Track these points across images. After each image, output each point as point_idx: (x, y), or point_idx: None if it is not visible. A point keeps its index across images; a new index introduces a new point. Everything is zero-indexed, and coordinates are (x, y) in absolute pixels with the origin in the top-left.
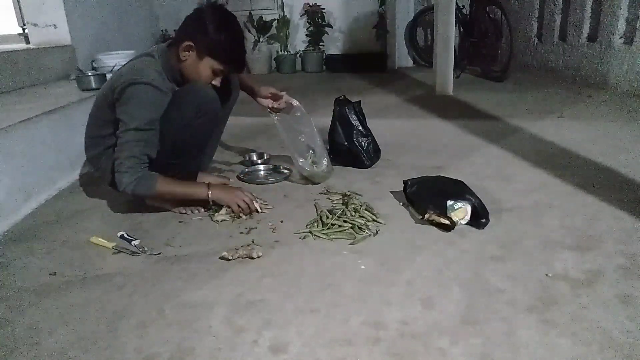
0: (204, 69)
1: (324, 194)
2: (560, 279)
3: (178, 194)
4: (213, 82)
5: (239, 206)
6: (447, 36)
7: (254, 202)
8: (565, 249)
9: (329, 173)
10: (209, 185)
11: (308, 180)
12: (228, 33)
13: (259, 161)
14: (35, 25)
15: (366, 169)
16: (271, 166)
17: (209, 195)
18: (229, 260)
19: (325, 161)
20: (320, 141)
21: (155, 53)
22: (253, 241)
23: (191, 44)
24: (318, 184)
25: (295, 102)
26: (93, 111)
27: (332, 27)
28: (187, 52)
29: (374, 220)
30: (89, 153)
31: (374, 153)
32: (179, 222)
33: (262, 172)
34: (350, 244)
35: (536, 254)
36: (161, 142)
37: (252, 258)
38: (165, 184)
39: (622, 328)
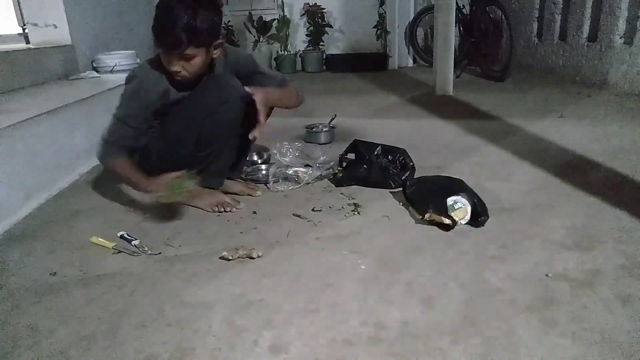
0: (171, 62)
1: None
2: (560, 278)
3: (122, 175)
4: (172, 68)
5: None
6: (447, 36)
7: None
8: (565, 248)
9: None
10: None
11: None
12: (155, 14)
13: (260, 161)
14: (35, 25)
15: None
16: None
17: (146, 189)
18: (229, 260)
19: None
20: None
21: (154, 54)
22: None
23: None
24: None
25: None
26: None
27: (332, 27)
28: (162, 57)
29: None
30: None
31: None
32: (179, 222)
33: (263, 172)
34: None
35: (536, 254)
36: (186, 134)
37: (252, 258)
38: (120, 163)
39: (622, 328)
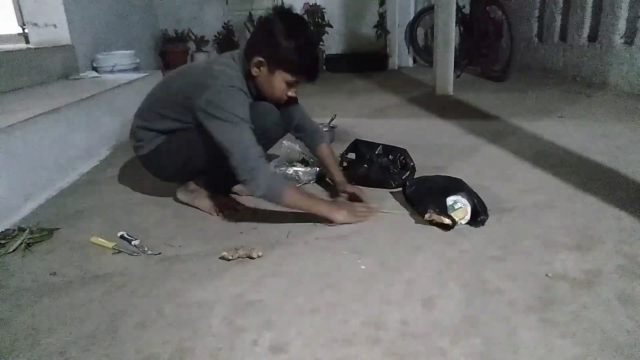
0: (277, 82)
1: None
2: (560, 278)
3: (301, 207)
4: (289, 94)
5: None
6: (448, 36)
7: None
8: (566, 248)
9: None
10: (330, 204)
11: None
12: (296, 41)
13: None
14: (35, 25)
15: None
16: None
17: (333, 218)
18: (229, 260)
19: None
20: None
21: (235, 59)
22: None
23: (261, 59)
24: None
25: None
26: (159, 94)
27: (332, 27)
28: (257, 69)
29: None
30: (139, 121)
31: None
32: (179, 221)
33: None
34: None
35: (536, 254)
36: (211, 149)
37: (252, 258)
38: (292, 194)
39: (622, 328)
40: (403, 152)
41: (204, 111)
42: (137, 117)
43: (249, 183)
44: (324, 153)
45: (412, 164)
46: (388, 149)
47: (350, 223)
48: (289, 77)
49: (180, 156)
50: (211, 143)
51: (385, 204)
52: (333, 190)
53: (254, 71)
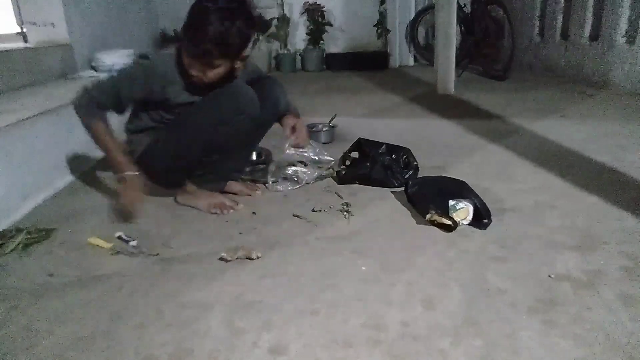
0: (193, 65)
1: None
2: (561, 279)
3: (102, 145)
4: (194, 73)
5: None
6: (449, 35)
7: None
8: (567, 249)
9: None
10: (129, 164)
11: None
12: (189, 20)
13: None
14: (33, 24)
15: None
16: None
17: (123, 175)
18: (228, 261)
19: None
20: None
21: (175, 50)
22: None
23: (179, 46)
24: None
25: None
26: None
27: (332, 26)
28: (183, 56)
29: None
30: (127, 125)
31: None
32: (178, 222)
33: (263, 172)
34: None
35: (538, 255)
36: (196, 139)
37: (251, 259)
38: (101, 128)
39: (624, 329)
40: (406, 151)
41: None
42: (126, 122)
43: (76, 106)
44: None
45: (415, 163)
46: (391, 148)
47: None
48: (187, 53)
49: (167, 151)
50: (191, 132)
51: (385, 204)
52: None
53: (184, 59)
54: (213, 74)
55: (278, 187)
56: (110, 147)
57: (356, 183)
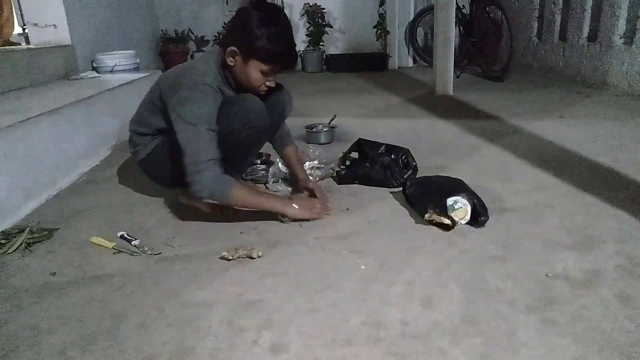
0: (252, 72)
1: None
2: (560, 279)
3: (252, 205)
4: (267, 84)
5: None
6: (447, 36)
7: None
8: (565, 249)
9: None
10: (283, 199)
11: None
12: (268, 29)
13: (258, 161)
14: (35, 25)
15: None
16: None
17: (286, 212)
18: (229, 260)
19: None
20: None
21: (212, 55)
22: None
23: (234, 48)
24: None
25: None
26: (148, 96)
27: (332, 27)
28: (232, 58)
29: None
30: (133, 126)
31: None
32: (179, 221)
33: (263, 172)
34: None
35: (536, 254)
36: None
37: (252, 258)
38: (241, 192)
39: (622, 328)
40: (405, 151)
41: (173, 111)
42: (132, 123)
43: (193, 184)
44: (290, 154)
45: (414, 163)
46: (390, 148)
47: (304, 219)
48: (262, 66)
49: (173, 157)
50: (226, 138)
51: (384, 204)
52: (295, 187)
53: (229, 61)
54: (270, 82)
55: (278, 187)
56: (263, 201)
57: (356, 183)
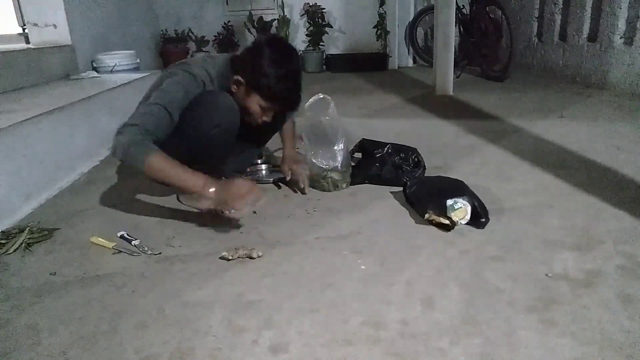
0: (252, 105)
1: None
2: (560, 279)
3: (170, 177)
4: (264, 119)
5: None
6: (447, 36)
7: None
8: (565, 249)
9: (341, 183)
10: (209, 180)
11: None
12: (278, 69)
13: (259, 161)
14: (35, 25)
15: None
16: (272, 165)
17: (208, 192)
18: (229, 260)
19: (342, 175)
20: (347, 157)
21: (217, 60)
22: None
23: (240, 79)
24: (325, 191)
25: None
26: (147, 93)
27: (332, 27)
28: (236, 87)
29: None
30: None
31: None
32: (179, 222)
33: (263, 172)
34: None
35: (536, 254)
36: (178, 146)
37: (252, 258)
38: (160, 161)
39: (622, 328)
40: (414, 150)
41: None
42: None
43: (113, 144)
44: (284, 129)
45: (423, 162)
46: (397, 148)
47: (219, 208)
48: (263, 103)
49: (171, 152)
50: (193, 136)
51: (384, 204)
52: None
53: (233, 88)
54: (266, 117)
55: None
56: (182, 175)
57: (365, 183)
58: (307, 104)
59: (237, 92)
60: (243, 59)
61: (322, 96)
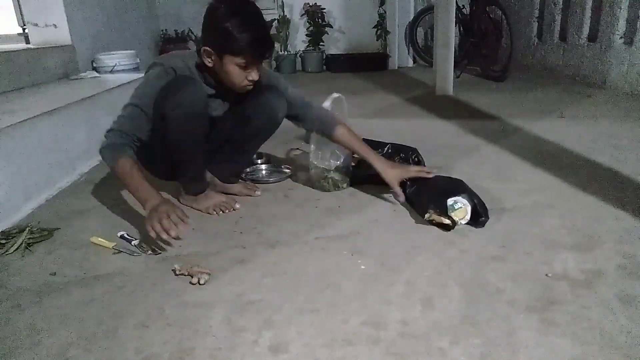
0: (229, 68)
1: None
2: (560, 279)
3: (126, 186)
4: (249, 78)
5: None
6: (447, 36)
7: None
8: (565, 249)
9: (341, 183)
10: (154, 198)
11: (314, 184)
12: (235, 18)
13: (259, 161)
14: (35, 25)
15: None
16: (272, 166)
17: (144, 209)
18: (176, 275)
19: (342, 176)
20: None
21: (187, 55)
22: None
23: (208, 48)
24: (326, 191)
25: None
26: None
27: (332, 27)
28: (209, 59)
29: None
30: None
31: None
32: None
33: (263, 172)
34: None
35: (536, 254)
36: (156, 138)
37: (192, 282)
38: (122, 167)
39: (622, 328)
40: (414, 150)
41: None
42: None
43: (104, 136)
44: (343, 137)
45: (424, 162)
46: (397, 148)
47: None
48: (237, 59)
49: (155, 146)
50: (159, 123)
51: (384, 204)
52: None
53: (207, 62)
54: (252, 76)
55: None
56: (132, 189)
57: (366, 183)
58: (324, 103)
59: (213, 63)
60: (203, 28)
61: (337, 95)
